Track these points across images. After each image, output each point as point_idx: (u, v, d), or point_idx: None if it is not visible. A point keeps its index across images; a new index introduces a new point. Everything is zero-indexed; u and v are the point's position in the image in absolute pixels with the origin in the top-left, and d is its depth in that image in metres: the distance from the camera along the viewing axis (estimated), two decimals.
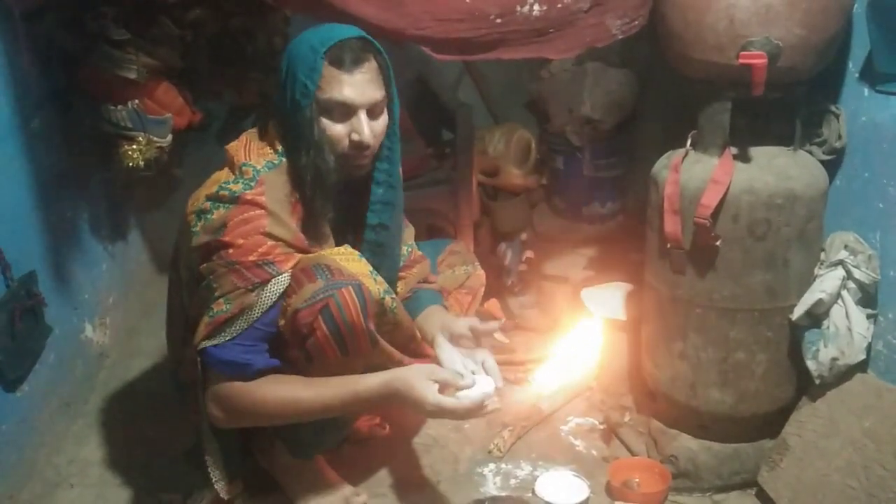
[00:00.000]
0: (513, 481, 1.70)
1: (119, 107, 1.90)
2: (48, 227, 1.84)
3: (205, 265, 1.38)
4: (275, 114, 1.47)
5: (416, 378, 1.34)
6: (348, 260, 1.43)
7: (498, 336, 2.25)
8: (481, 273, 1.87)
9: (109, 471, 1.77)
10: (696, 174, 1.56)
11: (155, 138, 1.95)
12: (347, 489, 1.63)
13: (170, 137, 2.01)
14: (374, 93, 1.42)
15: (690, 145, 1.61)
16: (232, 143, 1.49)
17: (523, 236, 2.45)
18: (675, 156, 1.61)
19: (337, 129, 1.41)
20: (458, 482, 1.70)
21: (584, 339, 1.97)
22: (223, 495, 1.52)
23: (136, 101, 1.92)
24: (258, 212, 1.37)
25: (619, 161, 2.56)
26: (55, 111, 1.90)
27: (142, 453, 1.81)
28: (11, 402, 1.63)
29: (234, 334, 1.37)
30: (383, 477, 1.71)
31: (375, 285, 1.43)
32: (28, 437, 1.70)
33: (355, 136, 1.41)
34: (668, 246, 1.58)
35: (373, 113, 1.43)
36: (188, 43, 2.09)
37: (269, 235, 1.38)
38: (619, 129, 2.49)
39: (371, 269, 1.45)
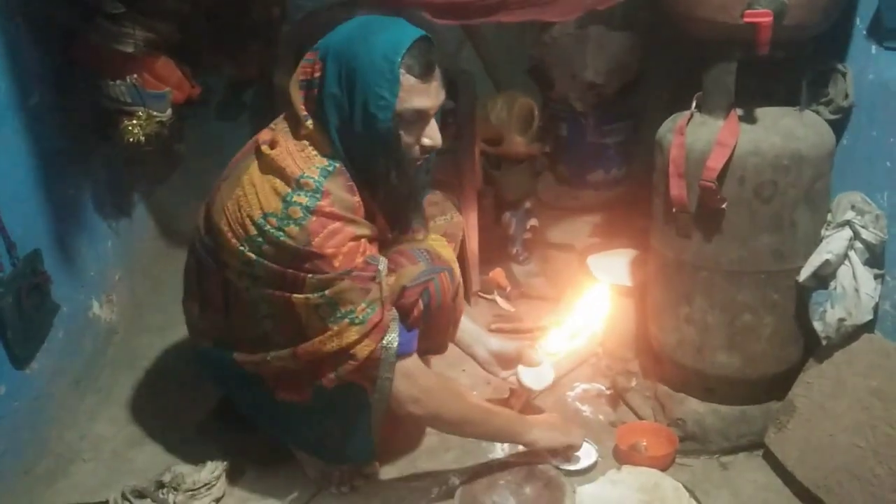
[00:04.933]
0: (521, 447, 1.71)
1: (117, 81, 1.89)
2: (51, 205, 1.84)
3: (312, 279, 1.35)
4: (316, 114, 1.40)
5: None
6: (441, 246, 1.57)
7: (503, 304, 2.28)
8: (459, 219, 1.88)
9: (121, 445, 1.79)
10: (701, 136, 1.54)
11: (154, 113, 1.94)
12: None
13: (169, 112, 1.99)
14: (443, 94, 1.42)
15: (695, 107, 1.59)
16: (271, 151, 1.41)
17: (528, 204, 2.44)
18: (679, 118, 1.59)
19: (410, 138, 1.41)
20: (466, 449, 1.71)
21: (589, 306, 1.97)
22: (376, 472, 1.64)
23: (135, 75, 1.90)
24: (338, 223, 1.37)
25: (623, 126, 2.54)
26: (54, 87, 1.89)
27: (153, 427, 1.83)
28: (22, 379, 1.64)
29: (396, 321, 1.43)
30: (393, 445, 1.72)
31: (458, 272, 1.54)
32: (40, 414, 1.72)
33: (427, 141, 1.41)
34: (674, 210, 1.57)
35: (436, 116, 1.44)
36: (186, 16, 2.07)
37: (360, 237, 1.39)
38: (622, 94, 2.46)
39: (454, 255, 1.58)
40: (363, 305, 1.37)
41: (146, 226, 2.57)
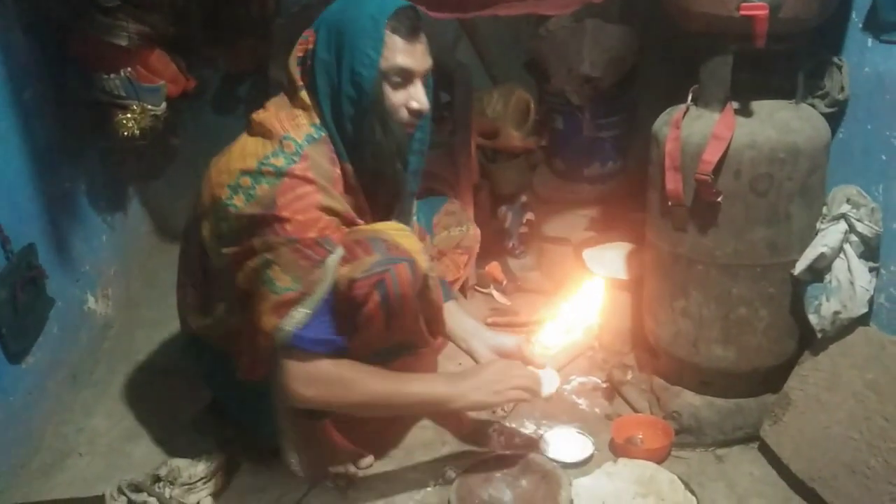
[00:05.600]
0: (517, 440, 1.72)
1: (112, 75, 1.89)
2: (46, 200, 1.83)
3: (259, 240, 1.35)
4: (309, 84, 1.42)
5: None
6: (402, 236, 1.44)
7: (499, 298, 2.28)
8: (475, 232, 1.89)
9: (117, 439, 1.79)
10: (697, 130, 1.54)
11: (149, 106, 1.94)
12: (353, 451, 1.65)
13: (164, 105, 1.99)
14: (428, 61, 1.44)
15: (691, 101, 1.59)
16: (261, 113, 1.45)
17: (523, 198, 2.44)
18: (675, 112, 1.59)
19: (396, 98, 1.41)
20: (462, 442, 1.71)
21: (585, 299, 1.97)
22: (303, 475, 1.55)
23: (129, 68, 1.90)
24: (309, 187, 1.36)
25: (619, 120, 2.53)
26: (48, 81, 1.89)
27: (149, 421, 1.83)
28: (18, 373, 1.64)
29: (313, 312, 1.36)
30: (389, 438, 1.73)
31: (425, 262, 1.46)
32: (36, 408, 1.72)
33: (414, 104, 1.42)
34: (670, 203, 1.57)
35: (423, 82, 1.44)
36: (180, 9, 2.06)
37: (325, 209, 1.38)
38: (619, 88, 2.45)
39: (421, 246, 1.48)
40: (288, 280, 1.35)
41: (141, 220, 2.57)
